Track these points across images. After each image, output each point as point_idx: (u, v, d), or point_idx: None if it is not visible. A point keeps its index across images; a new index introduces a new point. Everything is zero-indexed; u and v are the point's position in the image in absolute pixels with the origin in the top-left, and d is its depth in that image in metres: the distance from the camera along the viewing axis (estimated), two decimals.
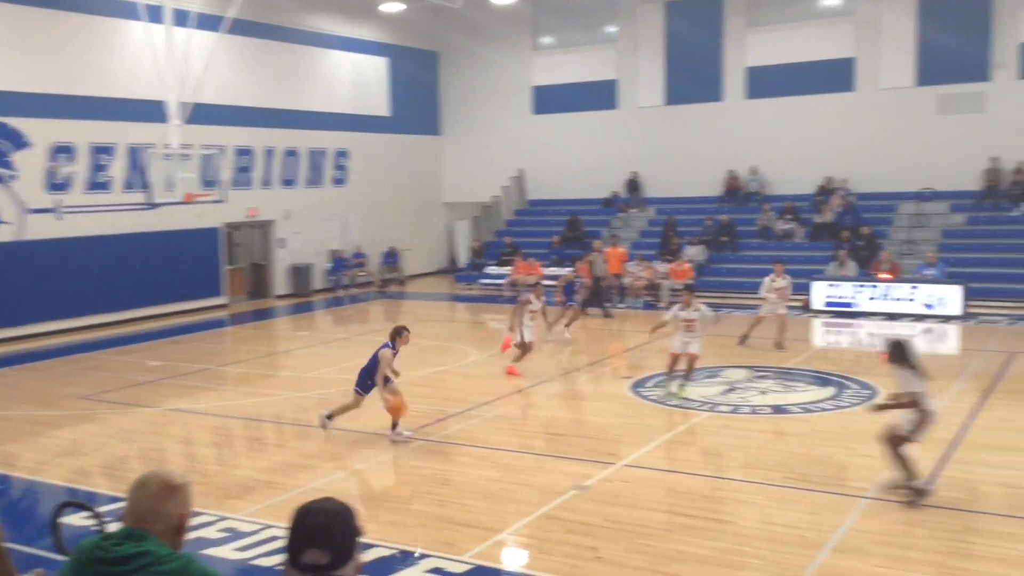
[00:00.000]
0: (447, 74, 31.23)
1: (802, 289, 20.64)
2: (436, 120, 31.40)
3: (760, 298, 17.31)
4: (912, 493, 8.69)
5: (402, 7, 26.90)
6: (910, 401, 8.74)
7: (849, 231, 23.28)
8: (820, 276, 21.67)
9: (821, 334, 19.45)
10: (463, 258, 30.08)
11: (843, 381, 13.87)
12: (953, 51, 24.28)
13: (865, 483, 9.31)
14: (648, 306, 22.52)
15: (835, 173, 25.51)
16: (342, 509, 2.89)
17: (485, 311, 23.13)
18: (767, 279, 17.21)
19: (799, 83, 26.07)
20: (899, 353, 8.91)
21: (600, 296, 21.47)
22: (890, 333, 15.53)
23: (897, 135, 24.98)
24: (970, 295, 20.03)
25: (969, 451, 10.33)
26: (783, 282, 17.13)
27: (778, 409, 12.33)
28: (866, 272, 21.69)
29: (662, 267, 23.41)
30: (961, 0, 24.30)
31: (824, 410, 12.35)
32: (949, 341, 18.38)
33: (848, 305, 20.91)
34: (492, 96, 30.26)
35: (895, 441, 8.82)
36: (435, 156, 31.34)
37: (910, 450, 8.85)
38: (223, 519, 8.57)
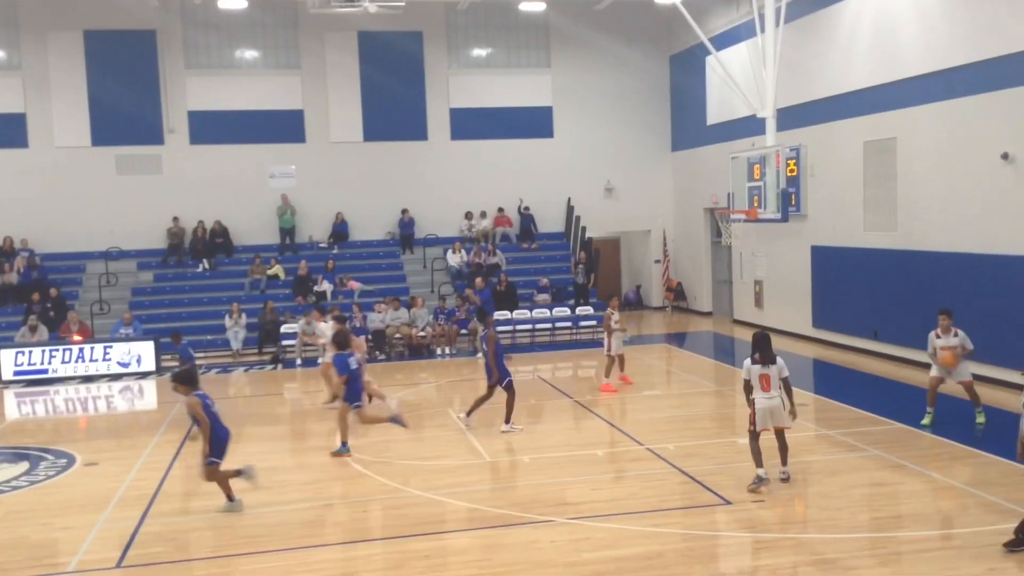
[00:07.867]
0: None
1: None
2: None
3: None
4: None
5: None
6: None
7: (38, 293, 22.23)
8: (9, 344, 20.25)
9: (15, 406, 18.08)
10: None
11: (40, 454, 13.12)
12: (127, 113, 25.02)
13: (68, 557, 8.90)
14: None
15: (15, 233, 24.18)
16: None
17: None
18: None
19: None
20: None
21: None
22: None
23: (79, 194, 24.81)
24: (163, 350, 20.72)
25: (167, 503, 10.62)
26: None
27: None
28: (56, 336, 20.94)
29: None
30: (130, 66, 25.13)
31: (17, 488, 11.49)
32: (147, 396, 18.74)
33: (42, 372, 19.93)
34: None
35: None
36: None
37: None
38: None
